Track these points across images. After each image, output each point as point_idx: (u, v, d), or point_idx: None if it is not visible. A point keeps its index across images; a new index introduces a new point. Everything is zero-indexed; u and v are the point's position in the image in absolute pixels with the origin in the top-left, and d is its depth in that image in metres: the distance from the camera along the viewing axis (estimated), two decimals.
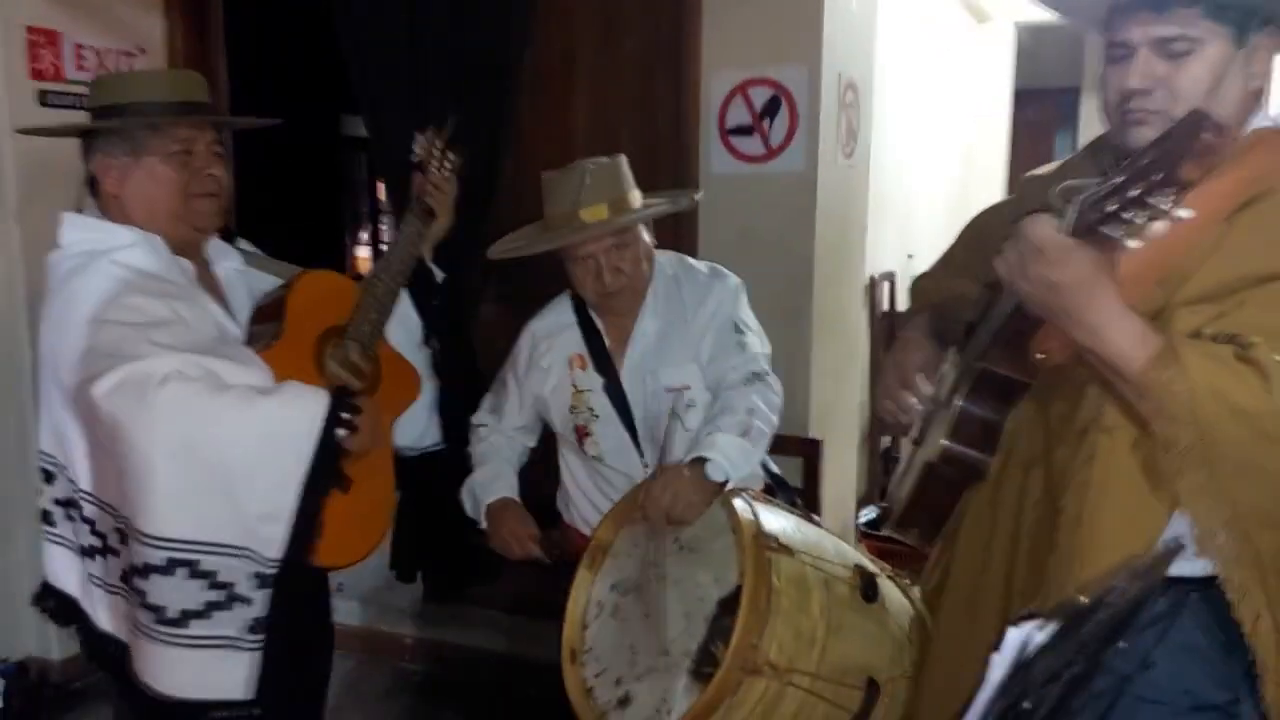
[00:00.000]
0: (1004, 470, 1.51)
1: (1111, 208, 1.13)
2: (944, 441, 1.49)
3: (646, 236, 2.05)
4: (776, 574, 1.65)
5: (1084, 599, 0.90)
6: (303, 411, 1.64)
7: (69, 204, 1.81)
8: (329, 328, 1.87)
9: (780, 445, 2.71)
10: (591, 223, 1.94)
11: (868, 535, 3.61)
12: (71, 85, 3.13)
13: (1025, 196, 1.69)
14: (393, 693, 3.35)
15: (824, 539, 1.89)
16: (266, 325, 1.83)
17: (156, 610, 1.61)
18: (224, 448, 1.57)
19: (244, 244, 2.01)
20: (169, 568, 1.59)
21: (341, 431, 1.66)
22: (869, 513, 3.81)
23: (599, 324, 2.10)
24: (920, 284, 1.91)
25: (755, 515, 1.76)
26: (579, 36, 3.33)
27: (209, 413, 1.57)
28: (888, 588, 1.85)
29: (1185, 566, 1.34)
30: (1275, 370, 1.18)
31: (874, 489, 4.47)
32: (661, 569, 1.85)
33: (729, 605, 1.69)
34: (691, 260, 2.16)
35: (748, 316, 2.10)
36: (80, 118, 1.85)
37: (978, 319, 1.57)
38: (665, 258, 2.11)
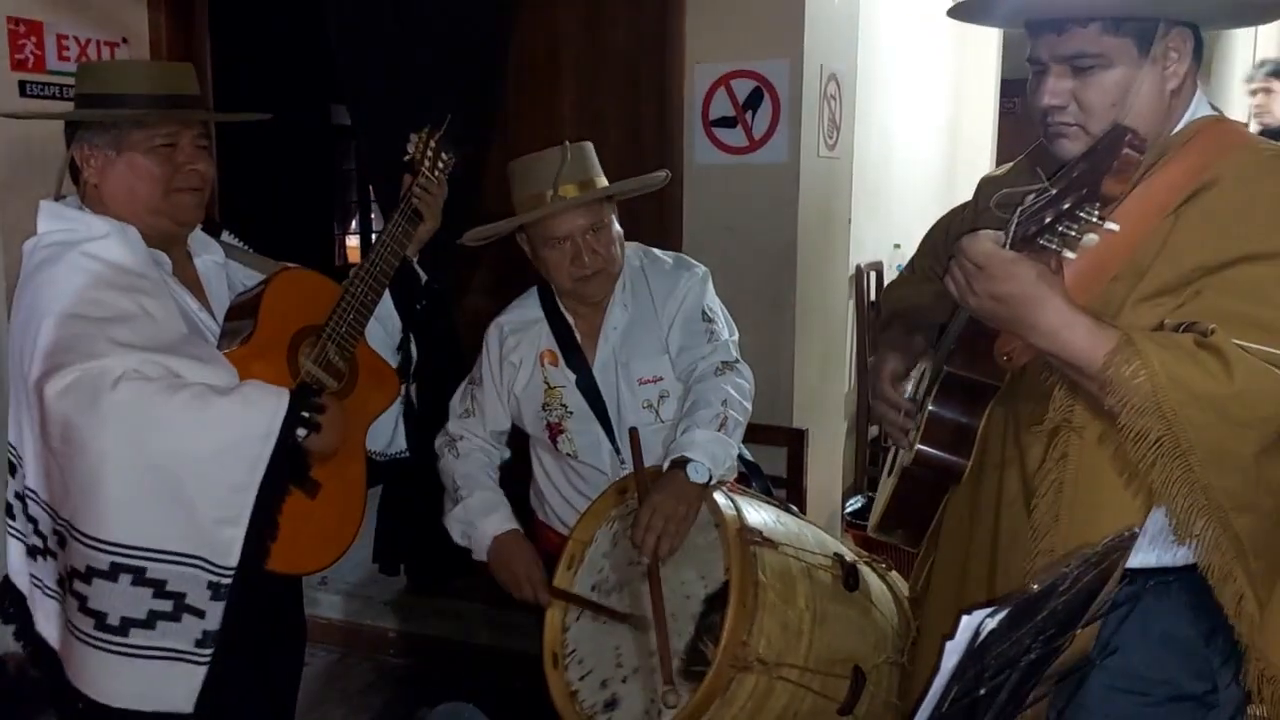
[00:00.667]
0: (980, 471, 1.52)
1: (1047, 219, 1.17)
2: (918, 445, 1.51)
3: (617, 225, 2.04)
4: (762, 568, 1.65)
5: (1035, 587, 0.92)
6: (261, 411, 1.59)
7: (49, 192, 1.78)
8: (305, 326, 1.83)
9: (765, 435, 2.72)
10: (570, 197, 1.93)
11: (854, 526, 3.62)
12: (53, 76, 3.11)
13: (981, 198, 1.71)
14: (375, 686, 3.34)
15: (804, 529, 1.89)
16: (240, 322, 1.79)
17: (96, 615, 1.56)
18: (177, 450, 1.53)
19: (228, 237, 1.98)
20: (112, 572, 1.54)
21: (302, 432, 1.62)
22: (855, 503, 3.82)
23: (569, 318, 2.07)
24: (890, 292, 1.94)
25: (738, 510, 1.75)
26: (564, 29, 3.33)
27: (162, 414, 1.53)
28: (867, 574, 1.86)
29: (1164, 556, 1.37)
30: (1235, 354, 1.20)
31: (860, 479, 4.48)
32: (643, 567, 1.83)
33: (716, 602, 1.69)
34: (657, 251, 2.15)
35: (715, 304, 2.09)
36: (63, 107, 1.82)
37: (947, 323, 1.59)
38: (630, 249, 2.09)
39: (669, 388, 2.03)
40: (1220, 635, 1.35)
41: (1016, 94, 8.13)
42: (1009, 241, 1.23)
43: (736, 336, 2.08)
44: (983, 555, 1.52)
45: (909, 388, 1.66)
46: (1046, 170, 1.30)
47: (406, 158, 2.05)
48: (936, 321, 1.63)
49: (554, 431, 2.06)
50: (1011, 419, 1.49)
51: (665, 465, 1.83)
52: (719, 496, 1.78)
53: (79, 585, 1.57)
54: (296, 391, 1.66)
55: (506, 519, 2.03)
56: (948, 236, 1.81)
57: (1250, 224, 1.29)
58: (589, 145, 2.03)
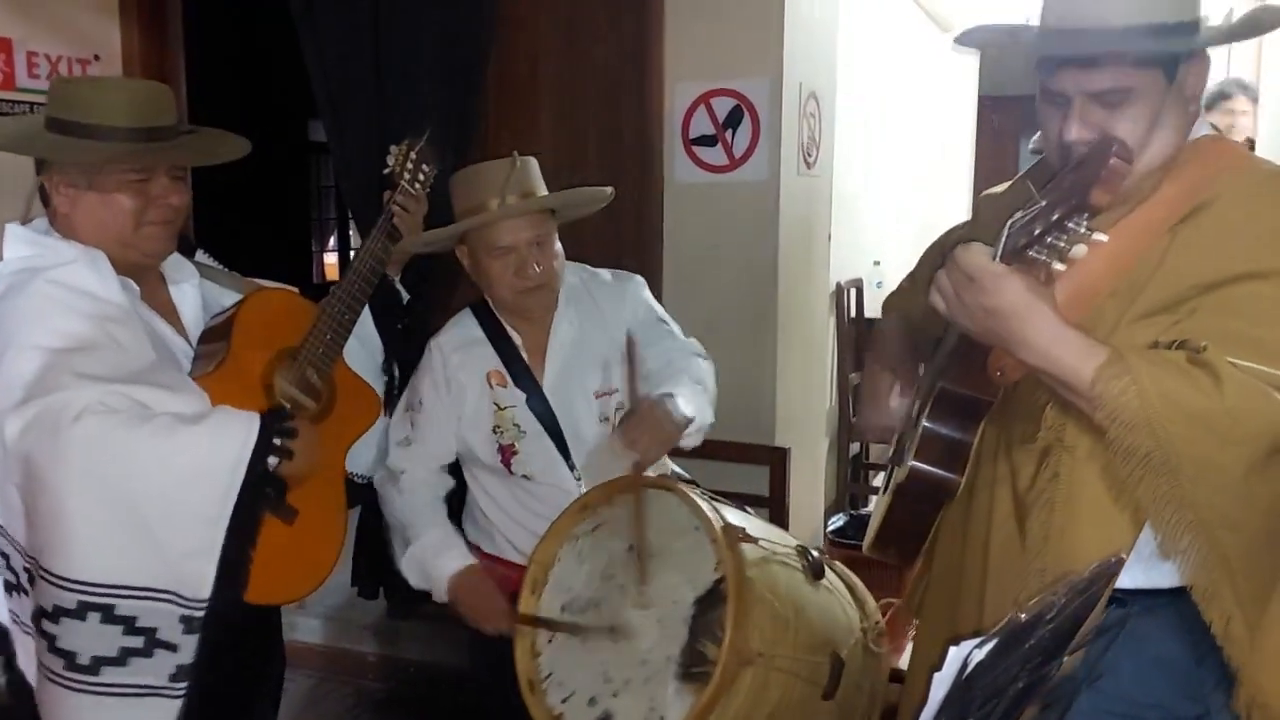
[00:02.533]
0: (973, 489, 1.52)
1: (1037, 231, 1.16)
2: (911, 462, 1.50)
3: (559, 243, 2.02)
4: (748, 562, 1.65)
5: (1023, 615, 0.90)
6: (230, 439, 1.55)
7: (15, 215, 1.74)
8: (280, 349, 1.79)
9: (747, 454, 2.72)
10: (519, 199, 1.92)
11: (837, 544, 3.61)
12: (23, 94, 3.08)
13: (981, 215, 1.71)
14: (355, 711, 3.31)
15: (768, 525, 1.92)
16: (214, 346, 1.75)
17: (66, 656, 1.53)
18: (142, 484, 1.50)
19: (202, 256, 1.94)
20: (80, 611, 1.50)
21: (274, 460, 1.58)
22: (838, 520, 3.81)
23: (514, 336, 2.03)
24: (889, 302, 1.93)
25: (715, 508, 1.75)
26: (544, 46, 3.33)
27: (125, 447, 1.49)
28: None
29: (1156, 577, 1.36)
30: (1227, 371, 1.20)
31: (842, 497, 4.48)
32: (620, 579, 1.82)
33: (706, 603, 1.68)
34: (591, 268, 2.14)
35: (663, 312, 2.13)
36: (34, 124, 1.77)
37: (942, 336, 1.59)
38: (569, 268, 2.07)
39: (625, 399, 2.00)
40: (1212, 658, 1.34)
41: (995, 111, 8.22)
42: (999, 254, 1.22)
43: (695, 341, 2.11)
44: (975, 573, 1.51)
45: (902, 404, 1.65)
46: (1038, 183, 1.30)
47: (386, 171, 2.02)
48: (932, 331, 1.62)
49: (507, 454, 2.00)
50: (1003, 437, 1.48)
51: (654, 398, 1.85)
52: (697, 498, 1.77)
53: (47, 625, 1.53)
54: (266, 416, 1.61)
55: (462, 555, 2.00)
56: (943, 251, 1.81)
57: (1247, 243, 1.29)
58: (534, 160, 2.02)
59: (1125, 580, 1.35)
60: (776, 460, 2.83)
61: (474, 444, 2.03)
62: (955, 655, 0.86)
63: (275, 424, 1.60)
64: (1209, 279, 1.28)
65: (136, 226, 1.70)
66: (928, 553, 1.67)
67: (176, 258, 1.85)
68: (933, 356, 1.61)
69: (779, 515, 2.71)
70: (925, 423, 1.48)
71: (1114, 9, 1.29)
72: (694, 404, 1.87)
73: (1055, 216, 1.14)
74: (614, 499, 1.84)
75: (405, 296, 2.13)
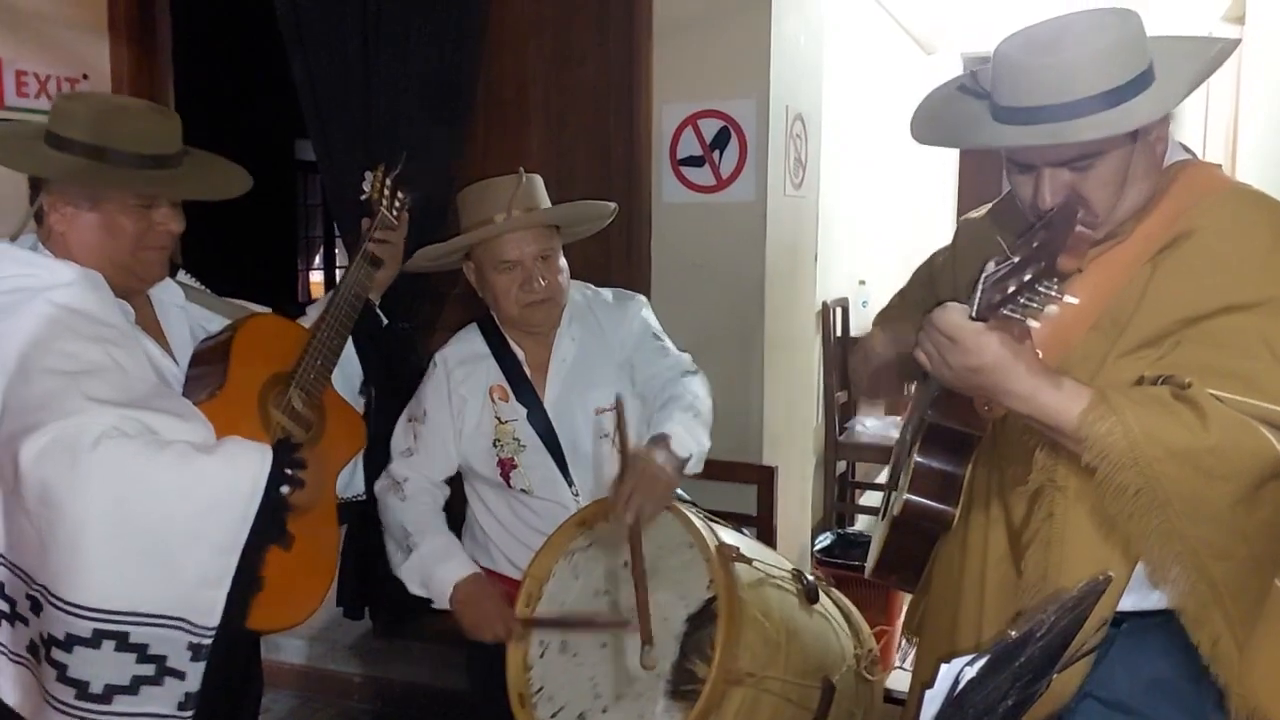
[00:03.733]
0: (967, 527, 1.54)
1: (1010, 289, 1.17)
2: (905, 495, 1.52)
3: (564, 260, 2.04)
4: (742, 583, 1.66)
5: (1013, 634, 0.91)
6: (246, 469, 1.55)
7: (6, 232, 1.72)
8: (273, 374, 1.80)
9: (735, 473, 2.72)
10: (524, 214, 1.94)
11: (824, 563, 3.62)
12: (12, 113, 3.07)
13: (960, 240, 1.72)
14: None
15: (763, 547, 1.92)
16: (209, 372, 1.75)
17: (77, 685, 1.51)
18: (162, 512, 1.49)
19: (185, 277, 1.94)
20: (95, 640, 1.49)
21: (286, 488, 1.58)
22: (825, 539, 3.82)
23: (517, 352, 2.06)
24: (879, 318, 1.94)
25: (710, 527, 1.76)
26: (532, 67, 3.35)
27: (145, 475, 1.48)
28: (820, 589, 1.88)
29: (1149, 599, 1.38)
30: (1211, 407, 1.21)
31: (829, 515, 4.49)
32: (613, 596, 1.83)
33: (698, 621, 1.69)
34: (594, 287, 2.16)
35: (660, 329, 2.13)
36: (27, 133, 1.73)
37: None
38: (573, 286, 2.10)
39: (627, 416, 2.02)
40: (1206, 678, 1.35)
41: None
42: (975, 310, 1.24)
43: (688, 357, 2.10)
44: (972, 604, 1.53)
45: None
46: (1009, 230, 1.30)
47: (364, 197, 2.03)
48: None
49: (506, 468, 2.03)
50: (996, 477, 1.50)
51: (645, 445, 1.82)
52: (692, 515, 1.78)
53: (57, 654, 1.51)
54: (278, 447, 1.62)
55: (466, 563, 1.99)
56: (933, 272, 1.82)
57: (1228, 275, 1.30)
58: (539, 177, 2.04)
59: (1121, 603, 1.37)
60: (764, 479, 2.83)
61: (474, 457, 2.04)
62: (947, 673, 0.87)
63: (287, 454, 1.61)
64: (1191, 312, 1.30)
65: (135, 251, 1.69)
66: (926, 578, 1.69)
67: (164, 279, 1.85)
68: (921, 384, 1.63)
69: (766, 534, 2.71)
70: (917, 457, 1.50)
71: (1076, 81, 1.26)
72: (690, 435, 1.86)
73: (1027, 277, 1.15)
74: (610, 515, 1.83)
75: (384, 321, 2.14)
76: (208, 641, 1.55)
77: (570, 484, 2.02)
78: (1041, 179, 1.35)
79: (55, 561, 1.49)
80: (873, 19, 5.53)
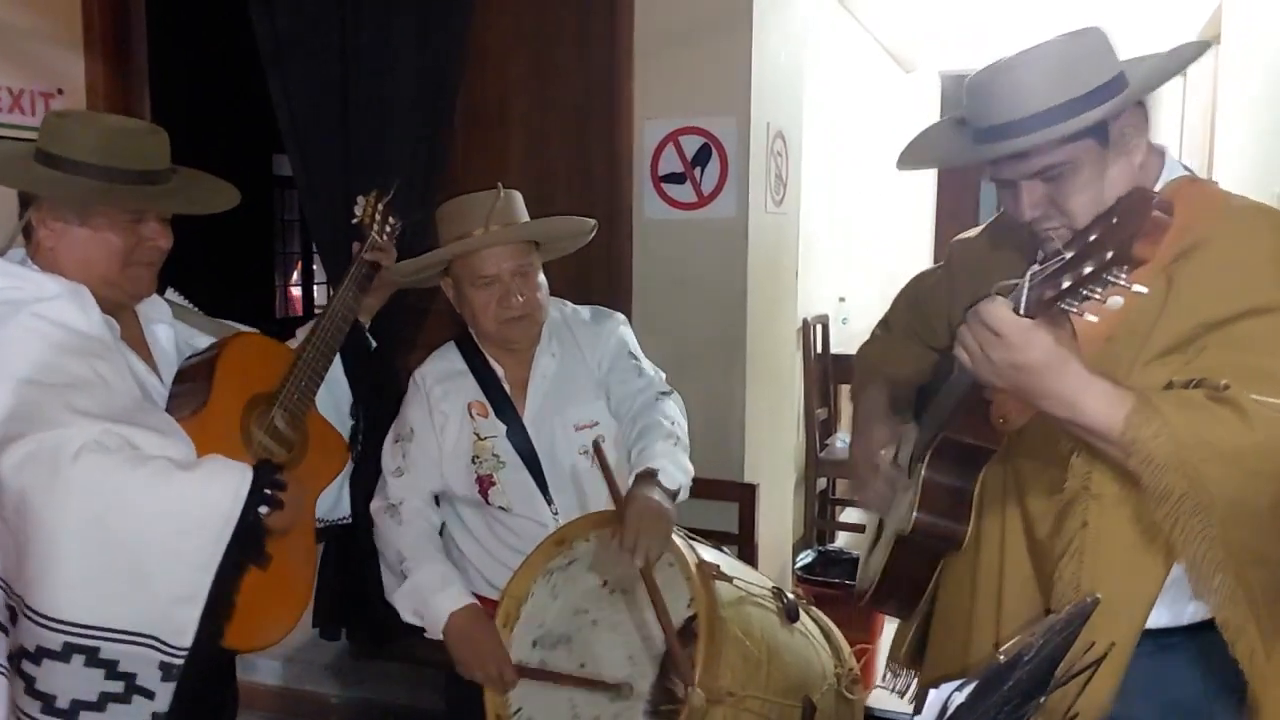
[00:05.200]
0: (979, 540, 1.51)
1: (1066, 284, 1.15)
2: (915, 513, 1.50)
3: (543, 276, 2.03)
4: (722, 601, 1.64)
5: (1002, 658, 0.90)
6: (225, 489, 1.54)
7: None
8: (256, 394, 1.80)
9: (716, 490, 2.70)
10: (502, 229, 1.92)
11: (805, 580, 3.61)
12: None
13: (954, 261, 1.72)
14: None
15: (743, 565, 1.90)
16: (192, 390, 1.74)
17: (44, 699, 1.50)
18: (139, 528, 1.48)
19: (172, 294, 1.93)
20: (64, 653, 1.48)
21: (264, 509, 1.58)
22: (806, 557, 3.81)
23: (496, 368, 2.04)
24: (865, 352, 1.92)
25: (690, 544, 1.75)
26: (512, 84, 3.34)
27: (124, 490, 1.47)
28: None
29: (1180, 615, 1.38)
30: (1251, 406, 1.21)
31: (810, 532, 4.48)
32: (592, 615, 1.81)
33: (679, 638, 1.66)
34: (572, 304, 2.15)
35: (637, 348, 2.11)
36: (17, 153, 1.74)
37: (933, 386, 1.58)
38: (550, 302, 2.08)
39: (604, 433, 2.01)
40: (1224, 697, 1.34)
41: None
42: (1023, 306, 1.21)
43: (663, 375, 2.09)
44: (988, 622, 1.50)
45: (892, 453, 1.65)
46: (1016, 237, 1.29)
47: (355, 221, 2.02)
48: (914, 383, 1.62)
49: (485, 485, 2.00)
50: (1013, 485, 1.48)
51: (631, 479, 1.79)
52: (672, 533, 1.76)
53: (27, 666, 1.49)
54: (259, 467, 1.61)
55: (462, 594, 1.94)
56: (917, 298, 1.81)
57: (1248, 279, 1.31)
58: (518, 193, 2.03)
59: (1150, 620, 1.36)
60: (745, 496, 2.82)
61: (452, 475, 2.02)
62: (935, 698, 0.85)
63: (267, 475, 1.60)
64: (1215, 316, 1.30)
65: (124, 266, 1.69)
66: (924, 604, 1.66)
67: (151, 296, 1.84)
68: (926, 407, 1.61)
69: (747, 552, 2.69)
70: (926, 472, 1.48)
71: (1030, 97, 1.31)
72: (676, 466, 1.83)
73: (1088, 270, 1.13)
74: (589, 534, 1.83)
75: (373, 344, 2.13)
76: (179, 661, 1.53)
77: (550, 501, 2.00)
78: (1020, 192, 1.38)
79: (30, 572, 1.48)
80: (852, 37, 5.57)
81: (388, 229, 2.03)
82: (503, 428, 2.01)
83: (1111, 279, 1.13)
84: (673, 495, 1.79)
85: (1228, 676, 1.32)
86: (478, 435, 2.01)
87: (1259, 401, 1.22)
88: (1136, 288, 1.13)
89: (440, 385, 2.04)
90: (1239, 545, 1.23)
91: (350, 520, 2.09)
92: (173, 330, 1.86)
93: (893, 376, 1.74)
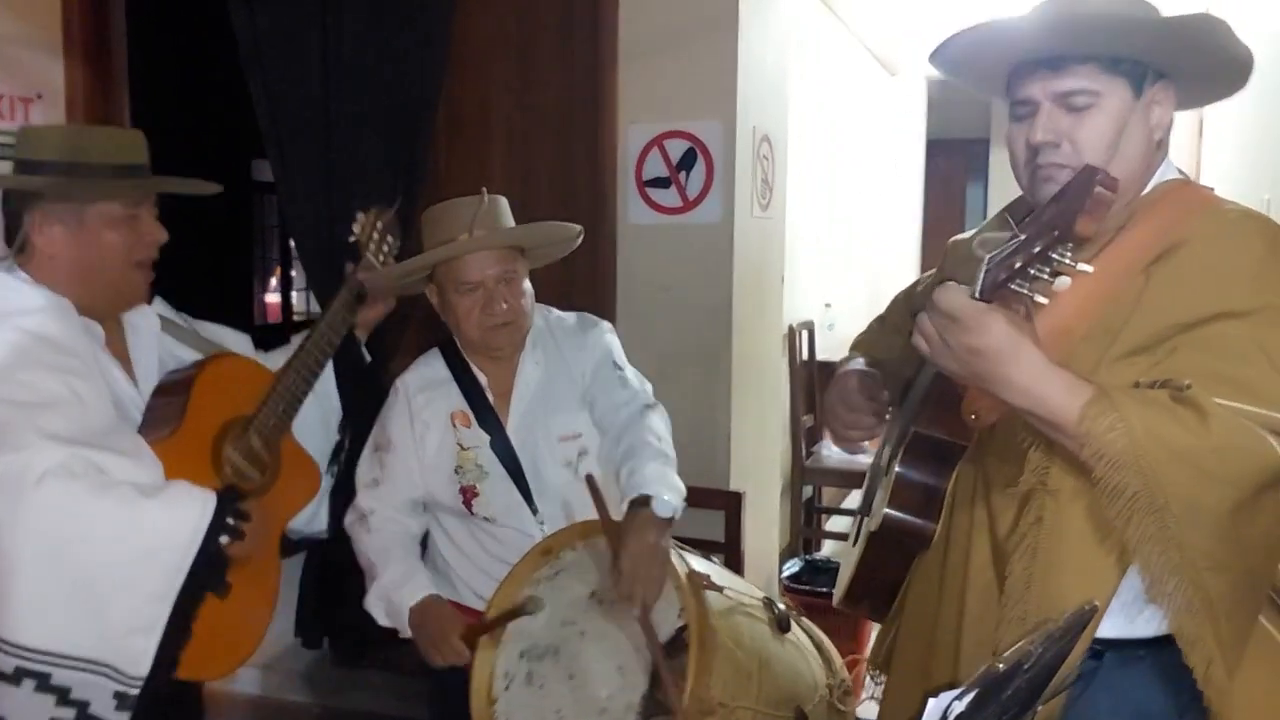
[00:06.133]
0: (949, 537, 1.50)
1: (1018, 264, 1.14)
2: (885, 510, 1.48)
3: (528, 283, 2.01)
4: (714, 612, 1.63)
5: (1000, 665, 0.88)
6: (186, 518, 1.54)
7: None
8: (232, 418, 1.79)
9: (702, 498, 2.67)
10: (486, 234, 1.90)
11: (791, 589, 3.58)
12: None
13: (949, 261, 1.71)
14: None
15: (733, 575, 1.88)
16: (168, 407, 1.73)
17: None
18: (97, 555, 1.48)
19: (161, 306, 1.91)
20: (15, 677, 1.48)
21: (225, 539, 1.57)
22: (793, 565, 3.79)
23: (479, 376, 2.01)
24: (857, 340, 1.91)
25: (680, 554, 1.73)
26: (496, 87, 3.32)
27: (85, 517, 1.47)
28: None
29: (1138, 627, 1.35)
30: (1212, 408, 1.19)
31: (796, 541, 4.46)
32: (580, 625, 1.79)
33: (669, 649, 1.65)
34: (557, 311, 2.12)
35: (622, 357, 2.07)
36: None
37: (911, 382, 1.57)
38: (535, 309, 2.05)
39: (588, 444, 1.99)
40: (1193, 710, 1.32)
41: (942, 154, 8.38)
42: (979, 291, 1.19)
43: (649, 387, 2.05)
44: (950, 624, 1.48)
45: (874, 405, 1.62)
46: (1016, 218, 1.28)
47: (352, 239, 2.01)
48: (901, 374, 1.60)
49: (469, 495, 1.98)
50: (981, 482, 1.46)
51: (625, 507, 1.75)
52: None
53: None
54: (222, 496, 1.60)
55: (423, 585, 1.93)
56: (912, 292, 1.80)
57: (1222, 282, 1.29)
58: (504, 199, 2.01)
59: (1105, 629, 1.33)
60: (731, 505, 2.80)
61: (435, 485, 1.99)
62: (935, 707, 0.83)
63: (230, 504, 1.60)
64: (1186, 318, 1.28)
65: (124, 268, 1.70)
66: (899, 604, 1.64)
67: (140, 305, 1.83)
68: (901, 401, 1.59)
69: (734, 560, 2.68)
70: (898, 468, 1.46)
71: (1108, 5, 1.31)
72: (668, 489, 1.77)
73: (1037, 249, 1.12)
74: (576, 544, 1.80)
75: (368, 358, 2.11)
76: (134, 691, 1.52)
77: (535, 511, 1.97)
78: (1039, 116, 1.36)
79: None
80: (838, 41, 5.58)
81: (385, 247, 2.00)
82: (486, 438, 1.98)
83: (1057, 258, 1.11)
84: (667, 523, 1.74)
85: (1194, 689, 1.29)
86: (461, 445, 1.98)
87: (1221, 405, 1.20)
88: (1082, 266, 1.12)
89: (423, 393, 2.01)
90: (1196, 550, 1.20)
91: (328, 536, 2.07)
92: (157, 342, 1.84)
93: (879, 360, 1.72)
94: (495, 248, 1.93)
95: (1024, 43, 1.37)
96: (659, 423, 1.95)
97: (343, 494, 2.05)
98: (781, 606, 1.82)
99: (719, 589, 1.67)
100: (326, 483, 2.02)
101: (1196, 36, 1.33)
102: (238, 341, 2.01)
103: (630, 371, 2.06)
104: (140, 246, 1.72)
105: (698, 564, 1.75)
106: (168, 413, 1.72)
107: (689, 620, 1.59)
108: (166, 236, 1.76)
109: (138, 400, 1.74)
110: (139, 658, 1.51)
